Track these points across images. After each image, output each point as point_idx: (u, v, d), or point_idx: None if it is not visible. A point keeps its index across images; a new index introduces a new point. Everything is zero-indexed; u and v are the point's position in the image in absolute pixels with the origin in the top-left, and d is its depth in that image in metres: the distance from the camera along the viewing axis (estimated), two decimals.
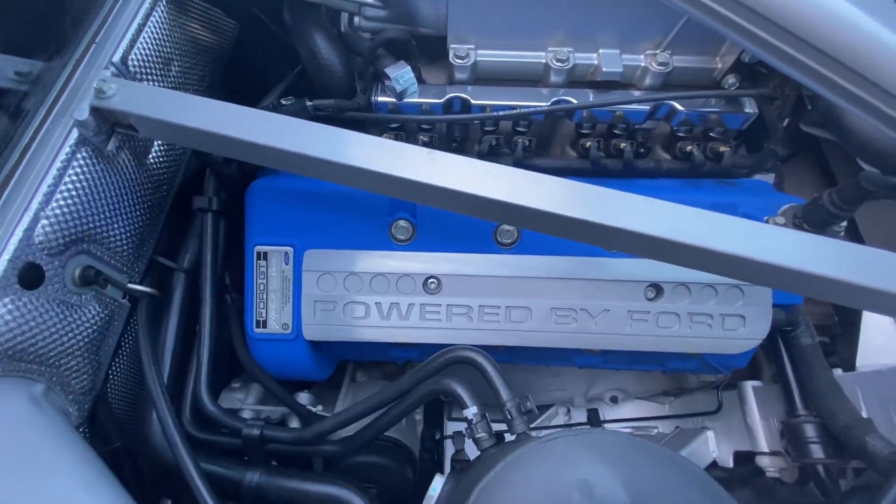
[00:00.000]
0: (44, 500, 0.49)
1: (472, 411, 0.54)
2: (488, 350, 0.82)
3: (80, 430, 0.63)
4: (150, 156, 0.74)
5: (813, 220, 0.66)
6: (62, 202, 0.58)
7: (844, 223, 0.67)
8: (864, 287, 0.50)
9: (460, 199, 0.55)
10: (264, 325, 0.77)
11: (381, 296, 0.74)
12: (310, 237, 0.76)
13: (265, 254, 0.77)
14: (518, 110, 0.74)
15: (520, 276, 0.74)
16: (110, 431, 0.69)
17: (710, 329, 0.74)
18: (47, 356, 0.57)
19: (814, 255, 0.50)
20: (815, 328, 1.07)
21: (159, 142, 0.75)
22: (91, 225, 0.62)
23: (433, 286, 0.75)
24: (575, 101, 0.76)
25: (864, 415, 0.80)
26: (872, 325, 0.97)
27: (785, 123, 0.70)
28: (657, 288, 0.74)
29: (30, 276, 0.55)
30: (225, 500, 0.69)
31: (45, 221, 0.56)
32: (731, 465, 1.03)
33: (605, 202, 0.54)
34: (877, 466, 0.74)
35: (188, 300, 0.77)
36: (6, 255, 0.53)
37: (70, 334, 0.60)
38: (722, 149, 0.80)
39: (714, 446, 1.07)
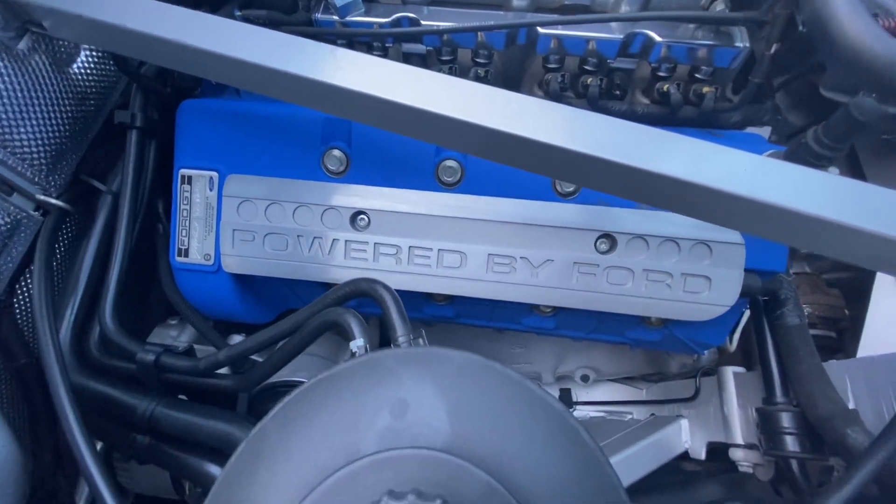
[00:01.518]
0: None
1: (357, 343, 0.47)
2: (424, 299, 0.76)
3: None
4: (75, 66, 0.70)
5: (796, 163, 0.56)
6: None
7: (835, 170, 0.56)
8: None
9: (360, 103, 0.48)
10: (186, 255, 0.73)
11: (303, 228, 0.68)
12: (237, 163, 0.71)
13: (190, 178, 0.72)
14: (463, 26, 0.66)
15: (457, 217, 0.66)
16: (15, 348, 0.66)
17: (669, 290, 0.64)
18: None
19: (779, 183, 0.41)
20: (821, 320, 0.96)
21: (87, 52, 0.71)
22: None
23: (362, 223, 0.68)
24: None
25: (851, 406, 0.69)
26: (878, 316, 0.85)
27: (773, 50, 0.59)
28: (610, 239, 0.65)
29: None
30: (120, 427, 0.66)
31: None
32: (703, 456, 0.93)
33: (528, 111, 0.46)
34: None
35: (112, 226, 0.74)
36: None
37: None
38: (705, 90, 0.70)
39: (687, 436, 0.97)
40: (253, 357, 0.78)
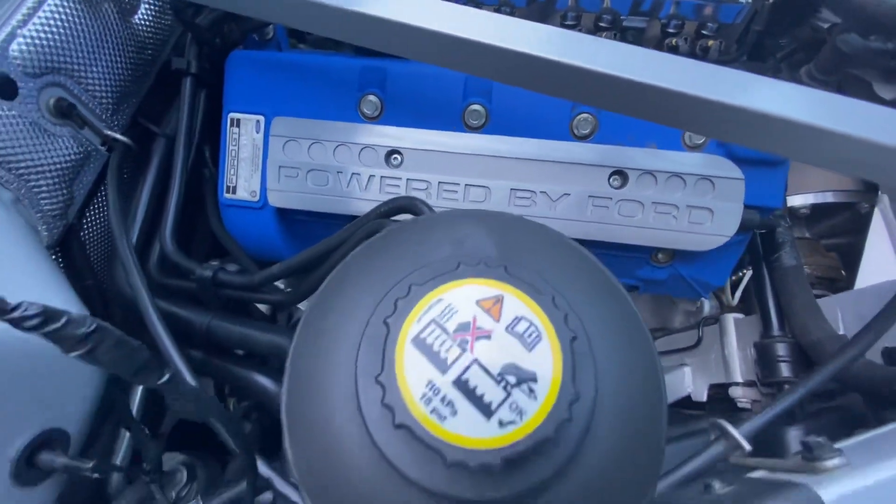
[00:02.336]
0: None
1: None
2: None
3: (50, 252, 0.68)
4: (136, 16, 0.77)
5: None
6: (39, 28, 0.62)
7: None
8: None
9: (401, 34, 0.55)
10: (234, 192, 0.80)
11: (343, 165, 0.75)
12: (281, 108, 0.78)
13: (238, 121, 0.79)
14: None
15: (482, 155, 0.73)
16: (82, 269, 0.73)
17: (675, 221, 0.71)
18: (17, 168, 0.61)
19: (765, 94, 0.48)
20: (819, 281, 1.02)
21: (146, 5, 0.79)
22: (67, 60, 0.66)
23: (396, 161, 0.75)
24: None
25: (842, 333, 0.75)
26: (871, 257, 0.91)
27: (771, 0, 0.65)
28: (622, 175, 0.71)
29: (5, 86, 0.59)
30: (179, 341, 0.73)
31: (20, 40, 0.60)
32: (704, 398, 1.00)
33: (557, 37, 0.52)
34: (846, 381, 0.70)
35: (166, 166, 0.81)
36: None
37: (42, 156, 0.64)
38: (710, 43, 0.76)
39: (689, 381, 1.04)
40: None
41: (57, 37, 0.64)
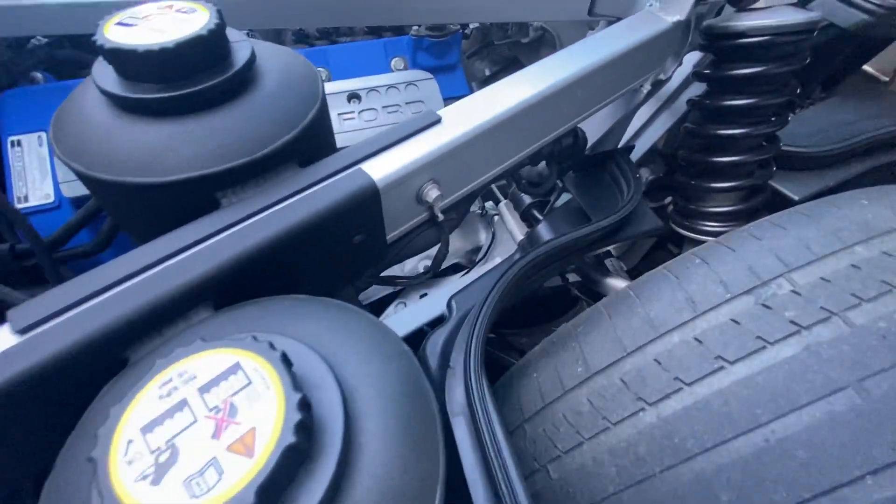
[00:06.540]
0: None
1: None
2: None
3: None
4: None
5: None
6: None
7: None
8: None
9: None
10: (26, 200, 0.86)
11: None
12: None
13: (19, 141, 0.88)
14: None
15: None
16: None
17: (403, 115, 0.99)
18: None
19: None
20: None
21: None
22: None
23: None
24: None
25: None
26: None
27: None
28: (357, 96, 0.98)
29: None
30: None
31: None
32: None
33: None
34: None
35: None
36: None
37: None
38: None
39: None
40: None
41: None
